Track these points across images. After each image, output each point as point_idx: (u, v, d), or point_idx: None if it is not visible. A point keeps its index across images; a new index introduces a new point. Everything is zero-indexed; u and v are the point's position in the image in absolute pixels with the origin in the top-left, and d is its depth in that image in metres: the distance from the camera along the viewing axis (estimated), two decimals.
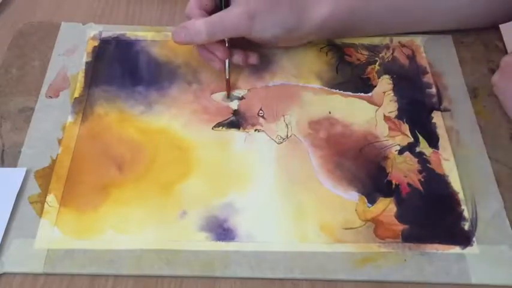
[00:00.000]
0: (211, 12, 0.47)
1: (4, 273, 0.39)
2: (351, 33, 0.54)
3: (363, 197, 0.43)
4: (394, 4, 0.52)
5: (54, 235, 0.40)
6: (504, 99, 0.48)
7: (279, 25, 0.48)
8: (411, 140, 0.47)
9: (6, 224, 0.41)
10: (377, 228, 0.42)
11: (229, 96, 0.50)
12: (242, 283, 0.39)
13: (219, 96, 0.50)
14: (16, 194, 0.42)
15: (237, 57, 0.50)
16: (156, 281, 0.39)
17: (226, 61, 0.49)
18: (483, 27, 0.55)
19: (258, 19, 0.46)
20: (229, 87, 0.50)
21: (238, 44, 0.50)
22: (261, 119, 0.48)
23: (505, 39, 0.55)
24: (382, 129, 0.48)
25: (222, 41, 0.48)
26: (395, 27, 0.55)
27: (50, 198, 0.42)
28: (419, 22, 0.54)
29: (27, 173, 0.44)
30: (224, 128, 0.48)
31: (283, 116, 0.48)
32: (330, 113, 0.49)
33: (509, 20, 0.55)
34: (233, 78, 0.51)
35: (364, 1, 0.50)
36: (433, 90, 0.51)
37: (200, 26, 0.45)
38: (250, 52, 0.51)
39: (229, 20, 0.46)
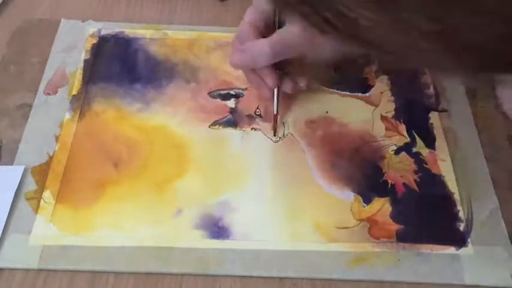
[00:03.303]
0: (262, 34, 0.45)
1: (4, 271, 0.39)
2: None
3: (358, 196, 0.43)
4: None
5: (49, 231, 0.41)
6: None
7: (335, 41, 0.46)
8: (408, 140, 0.47)
9: (4, 222, 0.41)
10: (371, 228, 0.42)
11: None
12: (242, 282, 0.39)
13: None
14: (14, 192, 0.42)
15: (287, 85, 0.47)
16: (157, 280, 0.39)
17: (275, 91, 0.46)
18: None
19: (317, 36, 0.42)
20: (276, 123, 0.47)
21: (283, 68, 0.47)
22: (257, 118, 0.48)
23: None
24: (379, 129, 0.48)
25: (272, 68, 0.45)
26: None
27: (46, 194, 0.42)
28: None
29: (24, 169, 0.44)
30: (221, 127, 0.48)
31: (280, 114, 0.48)
32: (327, 112, 0.49)
33: None
34: (231, 77, 0.51)
35: None
36: (431, 90, 0.51)
37: (263, 46, 0.43)
38: (298, 78, 0.47)
39: (293, 38, 0.43)
